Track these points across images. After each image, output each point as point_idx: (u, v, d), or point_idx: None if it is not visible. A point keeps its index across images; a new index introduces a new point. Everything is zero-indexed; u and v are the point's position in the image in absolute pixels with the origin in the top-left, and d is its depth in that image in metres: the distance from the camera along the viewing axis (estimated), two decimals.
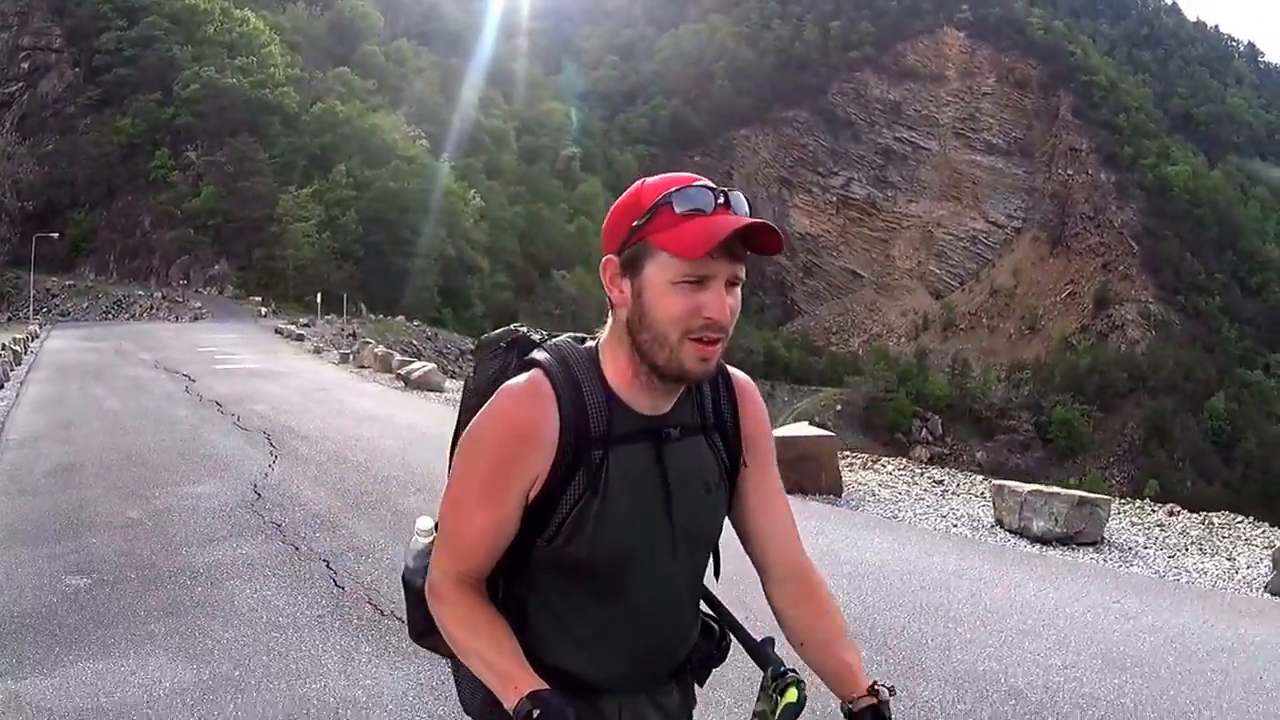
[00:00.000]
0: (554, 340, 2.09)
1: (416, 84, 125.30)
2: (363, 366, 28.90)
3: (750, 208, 1.89)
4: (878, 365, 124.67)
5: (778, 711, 1.98)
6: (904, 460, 17.36)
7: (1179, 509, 11.84)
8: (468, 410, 2.06)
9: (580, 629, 2.02)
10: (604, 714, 2.04)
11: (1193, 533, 9.97)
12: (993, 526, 9.64)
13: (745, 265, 1.88)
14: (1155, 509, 11.80)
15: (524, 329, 2.18)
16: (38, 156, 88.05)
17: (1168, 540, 9.53)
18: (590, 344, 2.06)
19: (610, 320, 2.00)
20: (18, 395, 19.50)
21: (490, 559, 2.00)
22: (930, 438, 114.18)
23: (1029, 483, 10.30)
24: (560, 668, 1.98)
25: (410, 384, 23.06)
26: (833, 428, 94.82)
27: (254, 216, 77.03)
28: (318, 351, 35.13)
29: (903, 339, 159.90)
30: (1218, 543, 9.45)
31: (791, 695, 1.97)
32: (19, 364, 27.35)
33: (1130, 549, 9.00)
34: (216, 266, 78.17)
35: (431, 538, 2.14)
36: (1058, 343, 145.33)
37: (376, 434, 14.40)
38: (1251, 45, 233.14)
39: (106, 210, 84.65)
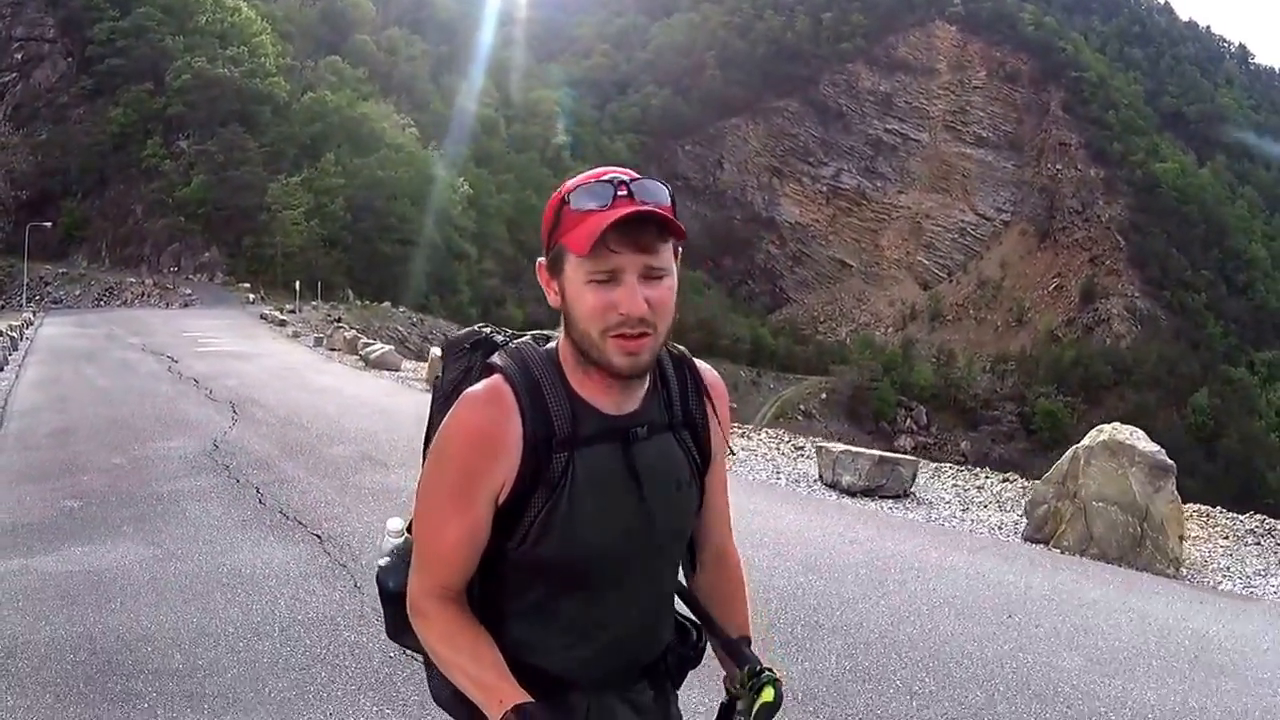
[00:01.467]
0: (515, 343, 2.13)
1: (407, 72, 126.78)
2: (333, 349, 31.35)
3: (669, 195, 1.95)
4: (863, 354, 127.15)
5: (754, 710, 2.02)
6: (781, 430, 19.48)
7: (1016, 477, 13.12)
8: (437, 413, 2.13)
9: (551, 627, 2.07)
10: (573, 710, 2.07)
11: (1005, 495, 11.52)
12: (814, 481, 11.95)
13: (662, 255, 1.91)
14: (989, 476, 13.07)
15: (488, 329, 2.23)
16: (31, 146, 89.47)
17: (973, 498, 11.34)
18: (552, 345, 2.09)
19: (561, 322, 2.05)
20: (17, 376, 22.00)
21: (466, 568, 2.03)
22: (915, 427, 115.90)
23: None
24: (531, 664, 2.02)
25: (369, 364, 25.79)
26: (818, 416, 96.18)
27: (244, 205, 78.68)
28: (296, 336, 37.40)
29: (890, 329, 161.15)
30: (1019, 502, 10.74)
31: (768, 695, 2.02)
32: (15, 349, 29.62)
33: (932, 503, 10.99)
34: (207, 254, 79.72)
35: (401, 539, 2.23)
36: (1044, 335, 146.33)
37: (323, 403, 17.04)
38: (1243, 46, 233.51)
39: (99, 199, 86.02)
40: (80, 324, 41.82)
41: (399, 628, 2.13)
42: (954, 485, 12.17)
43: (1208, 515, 10.48)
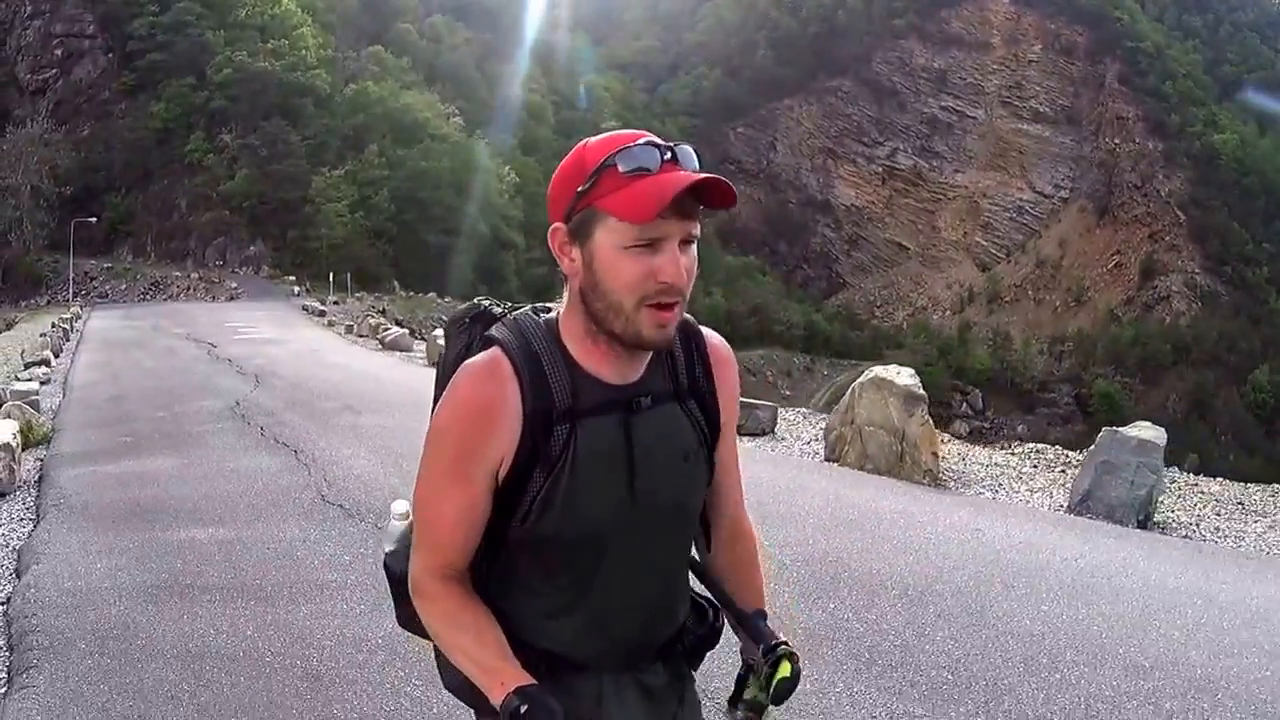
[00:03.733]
0: (513, 314, 2.13)
1: (451, 60, 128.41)
2: (360, 335, 35.46)
3: (699, 160, 1.93)
4: (918, 339, 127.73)
5: (772, 685, 2.07)
6: None
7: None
8: (442, 386, 2.13)
9: (558, 607, 2.08)
10: (581, 692, 2.08)
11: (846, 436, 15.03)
12: None
13: (699, 222, 1.92)
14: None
15: (486, 302, 2.23)
16: (74, 142, 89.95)
17: (815, 435, 14.70)
18: (551, 315, 2.10)
19: (566, 290, 2.03)
20: (73, 360, 26.51)
21: (467, 546, 2.06)
22: (971, 411, 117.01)
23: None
24: (539, 646, 2.06)
25: (385, 346, 30.17)
26: None
27: (288, 198, 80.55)
28: (330, 325, 41.23)
29: (948, 312, 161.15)
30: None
31: (785, 669, 2.06)
32: (68, 339, 34.14)
33: (787, 439, 14.81)
34: (252, 247, 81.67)
35: (406, 521, 2.26)
36: (1103, 315, 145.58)
37: (331, 374, 21.34)
38: None
39: (143, 194, 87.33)
40: (127, 317, 45.54)
41: (409, 614, 2.16)
42: (811, 427, 15.91)
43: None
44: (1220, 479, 13.20)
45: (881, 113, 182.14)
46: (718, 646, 2.29)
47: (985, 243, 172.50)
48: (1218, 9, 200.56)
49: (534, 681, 1.89)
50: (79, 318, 45.71)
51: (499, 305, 2.20)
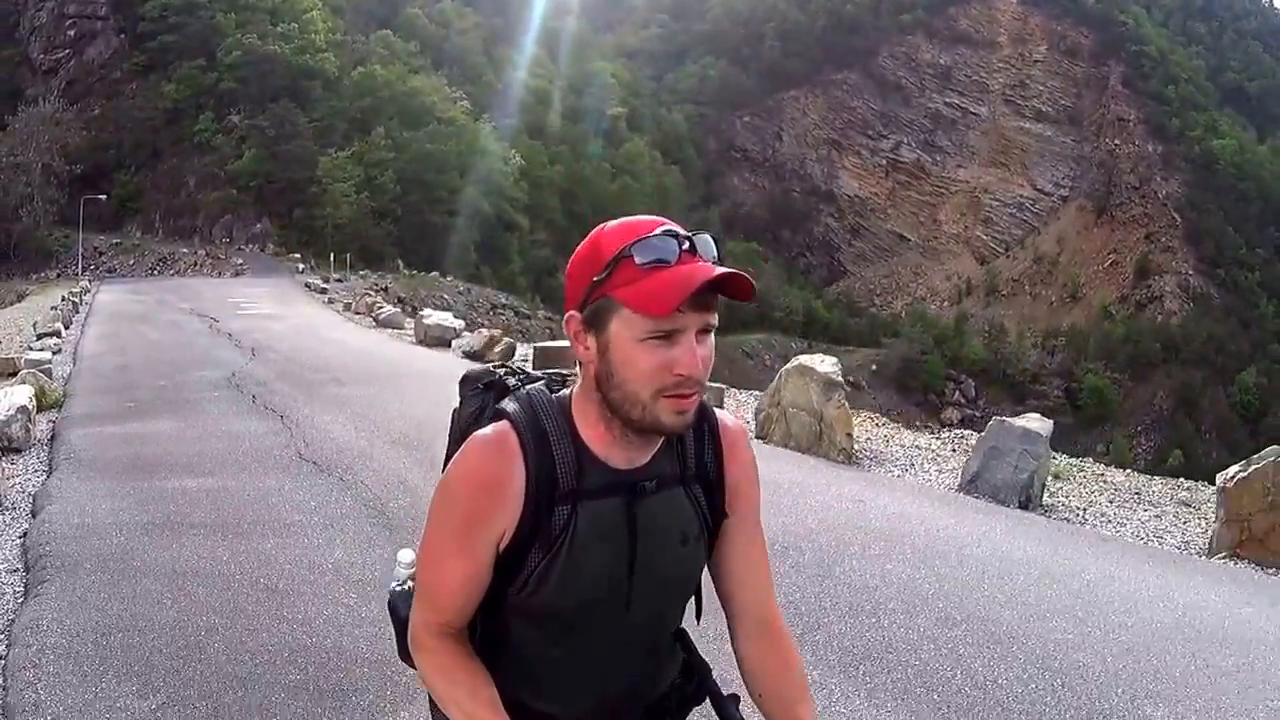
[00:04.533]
0: (528, 388, 2.13)
1: (459, 45, 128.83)
2: (357, 313, 36.74)
3: (718, 246, 1.93)
4: (914, 327, 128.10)
5: None
6: None
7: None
8: (454, 443, 2.20)
9: (550, 672, 2.13)
10: None
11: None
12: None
13: (715, 314, 1.91)
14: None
15: (502, 371, 2.26)
16: (85, 121, 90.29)
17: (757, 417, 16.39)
18: (565, 392, 2.10)
19: (580, 373, 2.04)
20: (82, 332, 27.81)
21: (466, 609, 2.09)
22: (963, 400, 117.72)
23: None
24: (531, 707, 2.12)
25: (379, 323, 31.45)
26: (866, 387, 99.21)
27: (295, 178, 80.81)
28: (330, 302, 42.47)
29: (946, 303, 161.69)
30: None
31: None
32: (77, 312, 35.38)
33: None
34: (258, 225, 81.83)
35: (411, 570, 2.32)
36: (1097, 312, 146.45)
37: (323, 349, 22.77)
38: None
39: (152, 172, 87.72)
40: (134, 291, 46.62)
41: (407, 650, 2.20)
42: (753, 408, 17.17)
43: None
44: (1128, 470, 13.86)
45: (886, 106, 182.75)
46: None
47: (985, 237, 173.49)
48: (1222, 16, 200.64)
49: None
50: (88, 292, 46.70)
51: (513, 375, 2.25)
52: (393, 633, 2.35)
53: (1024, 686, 5.64)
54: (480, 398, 2.20)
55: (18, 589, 6.85)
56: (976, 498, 10.76)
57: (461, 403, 2.25)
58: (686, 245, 1.86)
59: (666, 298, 1.79)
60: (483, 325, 38.90)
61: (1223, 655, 6.28)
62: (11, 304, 49.61)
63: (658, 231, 1.88)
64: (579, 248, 1.96)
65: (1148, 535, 9.88)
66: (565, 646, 2.10)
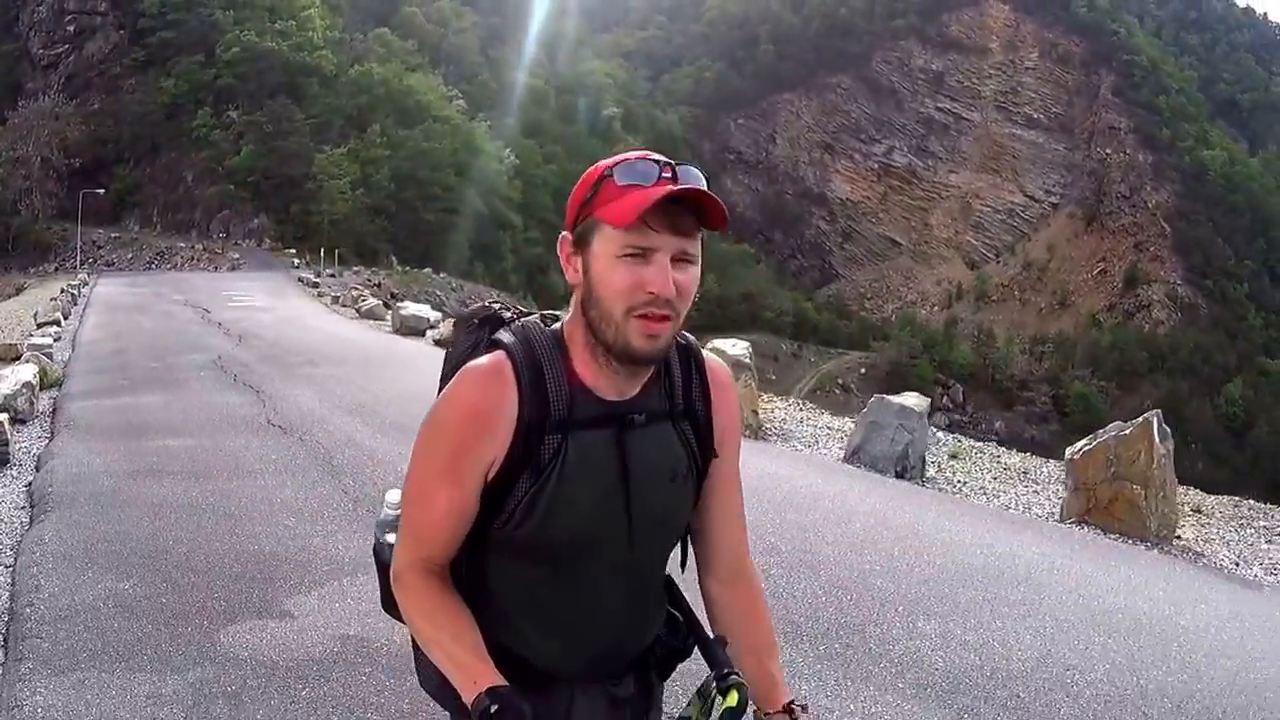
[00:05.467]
0: (522, 320, 2.15)
1: (456, 44, 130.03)
2: (343, 305, 38.31)
3: (707, 183, 1.92)
4: (904, 331, 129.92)
5: (717, 712, 2.03)
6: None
7: None
8: (445, 382, 2.15)
9: (534, 615, 2.11)
10: (552, 700, 2.11)
11: None
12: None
13: (695, 242, 1.93)
14: None
15: (496, 305, 2.24)
16: (84, 115, 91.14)
17: None
18: (557, 326, 2.12)
19: (572, 301, 2.06)
20: (80, 322, 29.54)
21: (452, 543, 2.08)
22: (951, 405, 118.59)
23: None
24: (513, 651, 2.08)
25: (361, 314, 33.10)
26: (855, 390, 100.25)
27: (291, 174, 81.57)
28: (320, 295, 43.95)
29: (936, 307, 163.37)
30: None
31: (733, 699, 2.02)
32: (75, 303, 37.06)
33: None
34: (255, 220, 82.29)
35: (398, 511, 2.23)
36: (1085, 319, 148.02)
37: (305, 336, 24.40)
38: None
39: (150, 166, 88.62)
40: (131, 284, 48.10)
41: (391, 600, 2.18)
42: None
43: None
44: (1026, 454, 14.76)
45: (879, 111, 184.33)
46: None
47: (975, 242, 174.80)
48: (1215, 28, 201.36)
49: (506, 683, 1.91)
50: (86, 284, 48.17)
51: (509, 310, 2.24)
52: (377, 584, 2.36)
53: (816, 601, 6.78)
54: (475, 334, 2.21)
55: (24, 520, 8.34)
56: (857, 467, 11.88)
57: (455, 342, 2.28)
58: (668, 173, 1.91)
59: (630, 209, 1.85)
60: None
61: (1014, 591, 7.29)
62: (10, 297, 51.32)
63: (647, 158, 1.95)
64: (578, 181, 2.04)
65: (1018, 506, 10.82)
66: (550, 587, 2.11)
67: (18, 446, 11.16)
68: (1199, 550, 9.45)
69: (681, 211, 1.88)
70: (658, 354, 1.98)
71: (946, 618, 6.61)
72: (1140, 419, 10.33)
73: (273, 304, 36.31)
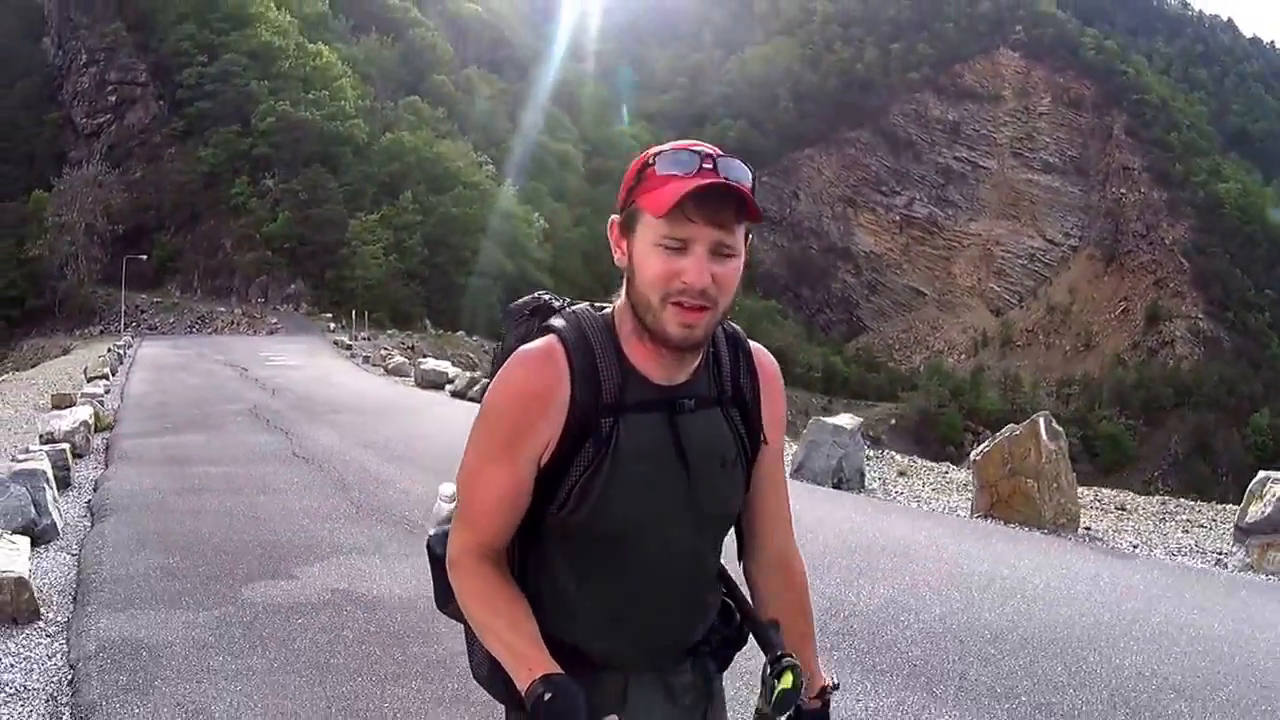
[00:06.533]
0: (573, 307, 2.16)
1: (484, 110, 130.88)
2: (373, 365, 40.10)
3: (752, 178, 1.94)
4: (932, 380, 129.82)
5: (774, 696, 2.06)
6: None
7: None
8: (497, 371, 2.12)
9: (588, 603, 2.11)
10: (607, 688, 2.09)
11: None
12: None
13: (735, 234, 1.93)
14: None
15: (547, 296, 2.25)
16: (126, 184, 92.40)
17: None
18: (608, 310, 2.12)
19: (623, 285, 2.06)
20: (127, 377, 31.31)
21: (507, 527, 2.09)
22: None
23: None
24: (567, 640, 2.07)
25: (388, 371, 34.80)
26: (886, 441, 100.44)
27: (326, 240, 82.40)
28: (352, 356, 45.60)
29: (963, 355, 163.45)
30: None
31: (787, 680, 2.05)
32: (123, 361, 39.06)
33: None
34: (292, 286, 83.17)
35: (453, 504, 2.22)
36: (1110, 359, 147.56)
37: (333, 391, 26.12)
38: None
39: (190, 233, 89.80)
40: (174, 346, 49.99)
41: (446, 596, 2.18)
42: None
43: None
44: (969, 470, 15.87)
45: (899, 163, 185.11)
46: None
47: (998, 289, 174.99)
48: (1224, 60, 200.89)
49: (561, 671, 1.92)
50: (130, 346, 50.06)
51: (558, 299, 2.24)
52: (429, 579, 2.33)
53: (726, 560, 8.41)
54: (526, 323, 2.21)
55: (86, 525, 10.04)
56: (800, 480, 13.10)
57: (505, 333, 2.27)
58: (709, 164, 1.92)
59: (665, 200, 1.87)
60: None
61: (888, 561, 8.70)
62: (57, 357, 53.45)
63: (687, 148, 1.97)
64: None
65: (944, 509, 11.98)
66: (604, 575, 2.10)
67: (77, 474, 12.77)
68: (1100, 537, 10.60)
69: (721, 204, 1.90)
70: (694, 342, 2.00)
71: (824, 571, 7.93)
72: (1028, 420, 11.68)
73: (306, 363, 37.97)
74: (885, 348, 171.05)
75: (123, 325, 71.75)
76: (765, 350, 2.26)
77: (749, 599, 2.33)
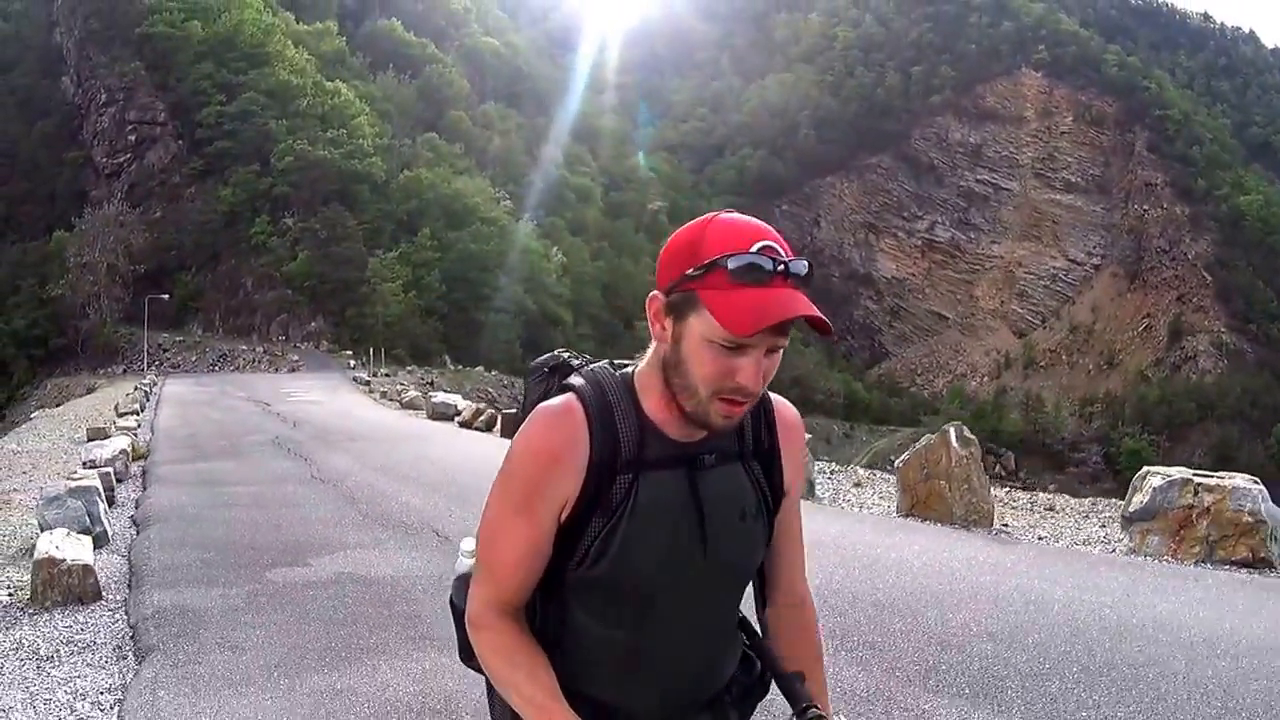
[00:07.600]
0: (591, 366, 2.16)
1: (502, 145, 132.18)
2: (390, 399, 41.88)
3: (810, 270, 1.92)
4: (953, 404, 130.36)
5: None
6: None
7: None
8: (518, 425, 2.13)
9: (609, 657, 2.12)
10: None
11: None
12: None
13: (788, 335, 1.92)
14: None
15: (566, 354, 2.28)
16: (147, 223, 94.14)
17: None
18: (627, 369, 2.12)
19: (651, 350, 2.05)
20: (155, 413, 33.28)
21: (527, 584, 2.10)
22: (1004, 473, 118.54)
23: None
24: (589, 695, 2.09)
25: (403, 405, 36.60)
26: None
27: (346, 278, 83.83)
28: (370, 391, 47.25)
29: (986, 378, 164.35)
30: None
31: None
32: (149, 399, 41.07)
33: None
34: (313, 323, 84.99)
35: (474, 559, 2.22)
36: (1133, 376, 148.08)
37: (349, 423, 28.00)
38: None
39: (211, 272, 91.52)
40: (197, 383, 52.01)
41: (470, 650, 2.19)
42: None
43: None
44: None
45: (920, 187, 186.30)
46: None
47: (1021, 310, 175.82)
48: (1246, 72, 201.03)
49: None
50: (155, 384, 51.78)
51: (577, 357, 2.26)
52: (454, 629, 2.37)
53: None
54: (545, 380, 2.24)
55: (133, 533, 11.92)
56: None
57: (527, 390, 2.31)
58: (781, 268, 1.87)
59: (747, 321, 1.83)
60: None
61: (823, 553, 10.00)
62: (81, 395, 55.52)
63: (757, 247, 1.88)
64: (682, 232, 1.99)
65: (880, 513, 13.30)
66: (624, 629, 2.11)
67: (119, 494, 14.75)
68: (1009, 531, 11.81)
69: (792, 323, 1.90)
70: (732, 428, 2.07)
71: None
72: (939, 430, 13.15)
73: (326, 399, 39.75)
74: (908, 373, 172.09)
75: (146, 364, 73.17)
76: (786, 401, 2.30)
77: (768, 645, 2.36)
